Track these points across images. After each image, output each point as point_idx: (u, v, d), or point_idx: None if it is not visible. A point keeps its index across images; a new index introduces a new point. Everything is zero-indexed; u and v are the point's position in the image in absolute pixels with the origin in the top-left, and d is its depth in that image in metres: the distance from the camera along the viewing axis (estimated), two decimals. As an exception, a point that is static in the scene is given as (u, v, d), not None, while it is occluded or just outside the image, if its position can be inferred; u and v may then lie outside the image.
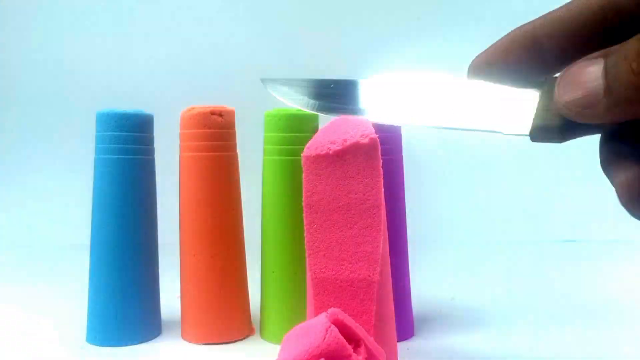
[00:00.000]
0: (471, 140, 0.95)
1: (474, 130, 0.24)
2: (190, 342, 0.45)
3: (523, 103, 0.22)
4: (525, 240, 0.88)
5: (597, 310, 0.53)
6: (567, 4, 0.21)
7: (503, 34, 0.24)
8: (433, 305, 0.54)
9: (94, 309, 0.44)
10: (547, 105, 0.22)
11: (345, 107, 0.28)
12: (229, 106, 0.46)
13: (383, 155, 0.45)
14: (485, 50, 0.24)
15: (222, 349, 0.44)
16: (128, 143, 0.44)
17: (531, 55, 0.22)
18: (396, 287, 0.45)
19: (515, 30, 0.23)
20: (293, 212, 0.44)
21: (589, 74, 0.19)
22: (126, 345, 0.44)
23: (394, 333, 0.28)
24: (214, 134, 0.44)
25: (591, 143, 0.24)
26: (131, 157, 0.44)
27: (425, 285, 0.61)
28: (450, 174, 0.95)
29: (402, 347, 0.43)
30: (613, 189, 0.22)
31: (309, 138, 0.45)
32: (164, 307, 0.48)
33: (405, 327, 0.45)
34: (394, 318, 0.29)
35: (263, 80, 0.30)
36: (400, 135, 0.46)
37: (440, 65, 0.94)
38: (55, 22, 0.96)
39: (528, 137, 0.23)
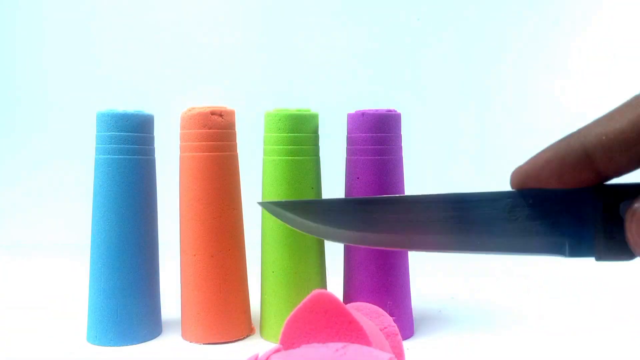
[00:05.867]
0: (471, 140, 0.96)
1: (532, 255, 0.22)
2: (190, 341, 0.45)
3: (584, 224, 0.21)
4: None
5: (597, 309, 0.53)
6: (620, 114, 0.19)
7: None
8: (433, 305, 0.54)
9: (94, 309, 0.44)
10: (612, 231, 0.21)
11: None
12: (229, 106, 0.46)
13: (383, 155, 0.45)
14: (529, 163, 0.22)
15: (222, 349, 0.44)
16: (128, 143, 0.44)
17: (584, 173, 0.20)
18: (396, 287, 0.45)
19: (562, 145, 0.21)
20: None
21: None
22: (126, 345, 0.44)
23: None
24: (214, 134, 0.44)
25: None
26: (131, 157, 0.44)
27: (425, 284, 0.61)
28: (450, 173, 0.95)
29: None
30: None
31: (309, 138, 0.45)
32: (164, 307, 0.48)
33: (405, 327, 0.45)
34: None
35: (261, 204, 0.26)
36: (400, 135, 0.46)
37: (441, 65, 0.95)
38: (56, 22, 0.97)
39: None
